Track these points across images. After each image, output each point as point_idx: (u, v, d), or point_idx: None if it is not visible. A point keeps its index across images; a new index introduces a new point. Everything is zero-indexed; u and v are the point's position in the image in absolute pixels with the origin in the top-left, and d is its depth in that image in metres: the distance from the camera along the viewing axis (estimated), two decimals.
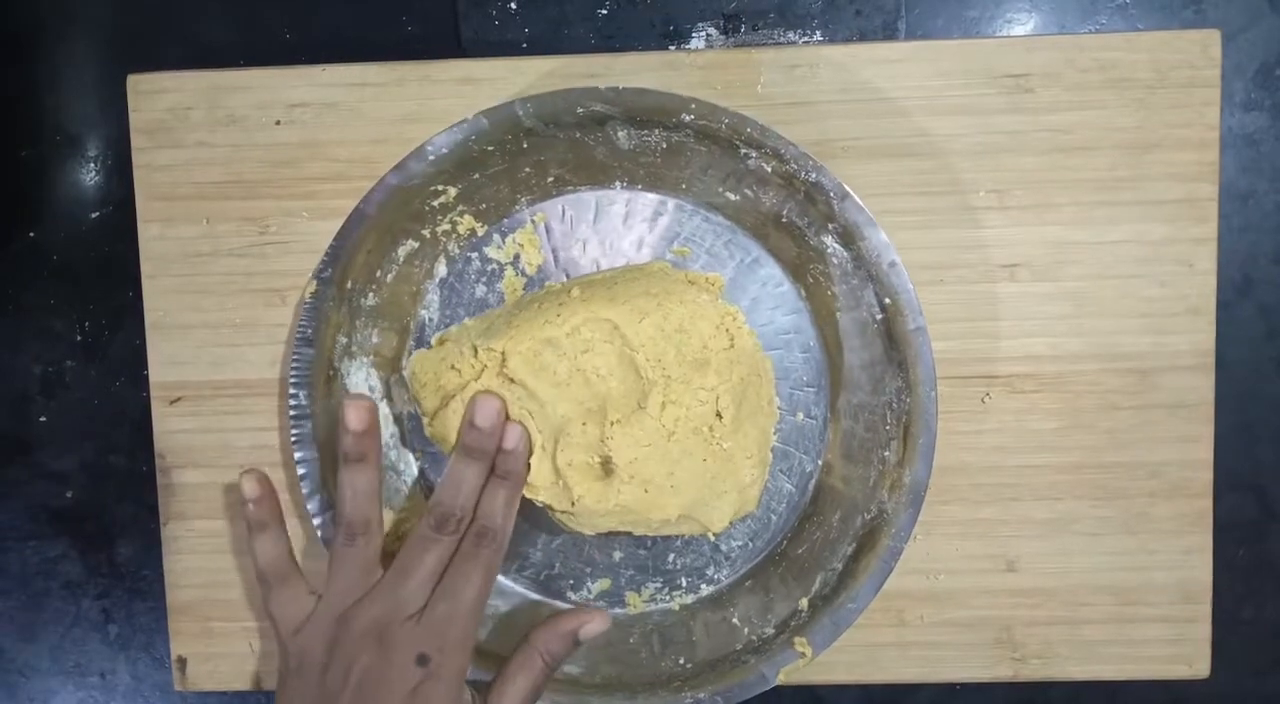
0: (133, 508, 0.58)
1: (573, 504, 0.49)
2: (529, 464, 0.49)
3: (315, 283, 0.50)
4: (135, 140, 0.54)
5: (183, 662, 0.56)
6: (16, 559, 0.59)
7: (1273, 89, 0.55)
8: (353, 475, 0.49)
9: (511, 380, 0.49)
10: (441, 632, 0.47)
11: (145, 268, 0.55)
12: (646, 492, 0.49)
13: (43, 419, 0.58)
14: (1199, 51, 0.52)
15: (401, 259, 0.52)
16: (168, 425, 0.55)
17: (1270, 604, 0.57)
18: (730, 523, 0.51)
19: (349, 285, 0.51)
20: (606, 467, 0.49)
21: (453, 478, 0.49)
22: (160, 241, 0.55)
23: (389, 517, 0.52)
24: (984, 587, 0.54)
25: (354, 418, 0.48)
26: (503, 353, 0.48)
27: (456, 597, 0.47)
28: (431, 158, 0.49)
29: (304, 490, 0.51)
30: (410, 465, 0.55)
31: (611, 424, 0.49)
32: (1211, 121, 0.52)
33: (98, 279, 0.58)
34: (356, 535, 0.48)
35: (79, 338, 0.58)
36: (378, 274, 0.52)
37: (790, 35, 0.55)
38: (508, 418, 0.49)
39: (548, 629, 0.49)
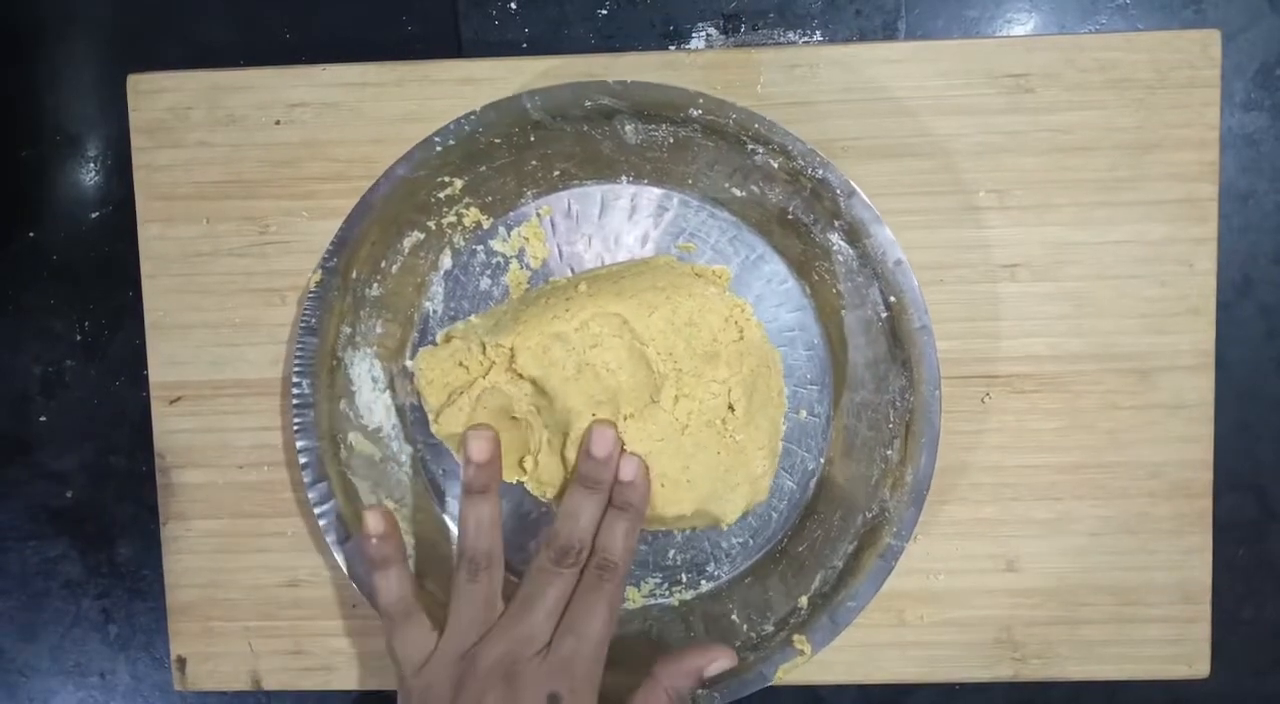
0: (133, 508, 0.58)
1: None
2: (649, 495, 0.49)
3: (320, 272, 0.51)
4: (135, 140, 0.54)
5: (182, 662, 0.56)
6: (16, 559, 0.59)
7: (1273, 89, 0.55)
8: (476, 507, 0.48)
9: (520, 376, 0.49)
10: (570, 669, 0.45)
11: (145, 268, 0.55)
12: (663, 486, 0.49)
13: (43, 419, 0.58)
14: (1199, 51, 0.52)
15: (406, 250, 0.53)
16: (168, 425, 0.55)
17: (1270, 604, 0.57)
18: (743, 515, 0.51)
19: (354, 275, 0.51)
20: None
21: (570, 509, 0.48)
22: (160, 241, 0.55)
23: (391, 507, 0.53)
24: (984, 587, 0.54)
25: (477, 449, 0.48)
26: (511, 349, 0.48)
27: (582, 632, 0.46)
28: (439, 149, 0.49)
29: (305, 480, 0.51)
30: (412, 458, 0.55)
31: (625, 418, 0.49)
32: (1211, 121, 0.52)
33: (98, 279, 0.58)
34: (479, 569, 0.47)
35: (79, 338, 0.58)
36: (382, 265, 0.52)
37: (790, 35, 0.55)
38: (623, 449, 0.49)
39: (673, 664, 0.47)
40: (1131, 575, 0.54)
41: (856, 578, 0.49)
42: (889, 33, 0.55)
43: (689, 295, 0.49)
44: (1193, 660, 0.54)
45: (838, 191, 0.48)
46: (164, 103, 0.54)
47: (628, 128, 0.50)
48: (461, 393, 0.49)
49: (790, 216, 0.51)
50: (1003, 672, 0.54)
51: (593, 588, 0.47)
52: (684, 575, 0.54)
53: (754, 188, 0.51)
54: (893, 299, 0.49)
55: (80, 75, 0.57)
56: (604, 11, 0.55)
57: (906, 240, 0.50)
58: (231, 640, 0.56)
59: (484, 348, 0.49)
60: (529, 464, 0.50)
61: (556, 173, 0.52)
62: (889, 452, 0.50)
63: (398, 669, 0.48)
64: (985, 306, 0.53)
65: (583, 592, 0.47)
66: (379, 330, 0.53)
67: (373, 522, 0.49)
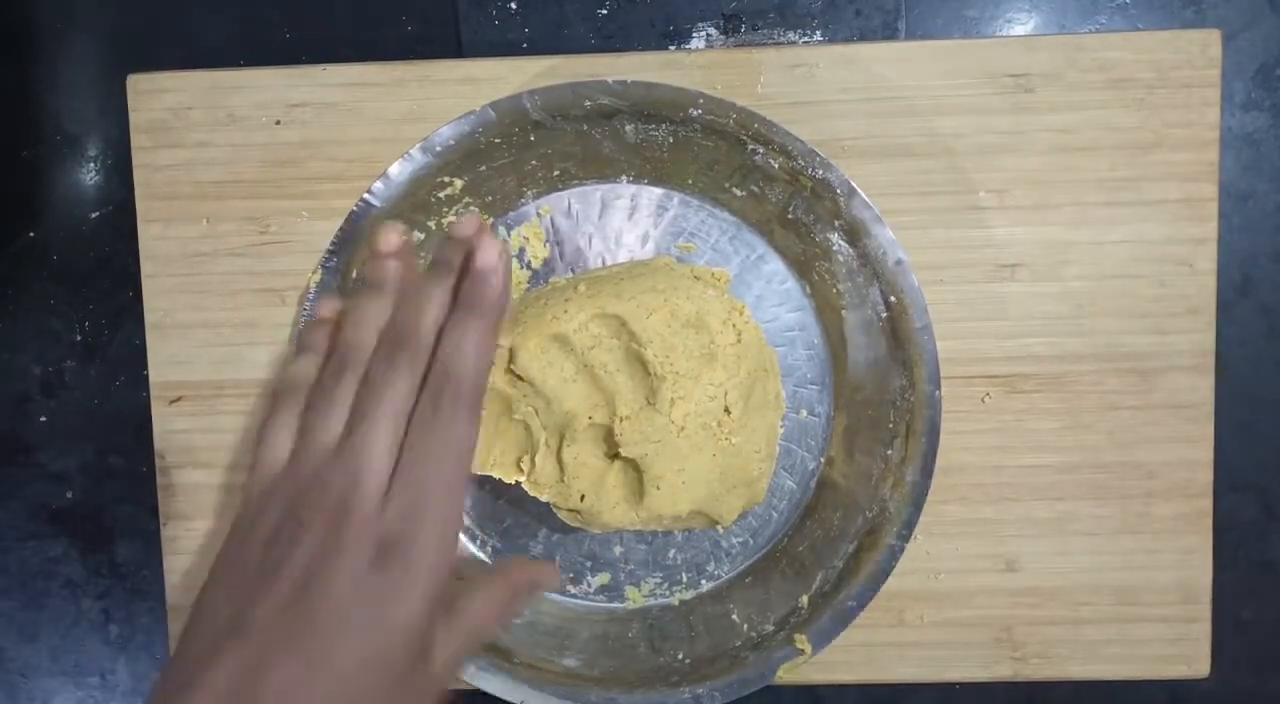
0: (133, 508, 0.58)
1: (581, 500, 0.49)
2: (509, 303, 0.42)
3: (320, 272, 0.51)
4: (135, 140, 0.54)
5: None
6: (16, 559, 0.59)
7: (1273, 89, 0.55)
8: (368, 302, 0.40)
9: (519, 377, 0.49)
10: (404, 538, 0.36)
11: (145, 268, 0.55)
12: (659, 489, 0.49)
13: (43, 419, 0.58)
14: (1199, 51, 0.52)
15: None
16: (168, 425, 0.55)
17: (1270, 604, 0.57)
18: (740, 516, 0.51)
19: (354, 275, 0.51)
20: (613, 462, 0.49)
21: (412, 293, 0.40)
22: (160, 241, 0.55)
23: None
24: (984, 587, 0.54)
25: (385, 240, 0.41)
26: (510, 350, 0.48)
27: (423, 486, 0.36)
28: (439, 149, 0.50)
29: None
30: None
31: (621, 420, 0.49)
32: (1211, 121, 0.52)
33: (98, 279, 0.58)
34: (346, 367, 0.39)
35: (79, 338, 0.58)
36: None
37: (790, 35, 0.55)
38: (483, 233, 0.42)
39: (514, 570, 0.43)
40: (1131, 575, 0.54)
41: (857, 578, 0.49)
42: (889, 33, 0.55)
43: (687, 298, 0.49)
44: (1193, 660, 0.54)
45: (838, 191, 0.48)
46: (164, 103, 0.54)
47: (628, 128, 0.50)
48: None
49: (790, 216, 0.51)
50: (1003, 672, 0.54)
51: (428, 420, 0.37)
52: (684, 575, 0.54)
53: (754, 188, 0.51)
54: (893, 299, 0.49)
55: (80, 75, 0.57)
56: (604, 11, 0.55)
57: (906, 240, 0.50)
58: None
59: None
60: (526, 465, 0.50)
61: (556, 173, 0.53)
62: (889, 452, 0.50)
63: (247, 481, 0.40)
64: (985, 306, 0.53)
65: (418, 425, 0.37)
66: None
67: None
